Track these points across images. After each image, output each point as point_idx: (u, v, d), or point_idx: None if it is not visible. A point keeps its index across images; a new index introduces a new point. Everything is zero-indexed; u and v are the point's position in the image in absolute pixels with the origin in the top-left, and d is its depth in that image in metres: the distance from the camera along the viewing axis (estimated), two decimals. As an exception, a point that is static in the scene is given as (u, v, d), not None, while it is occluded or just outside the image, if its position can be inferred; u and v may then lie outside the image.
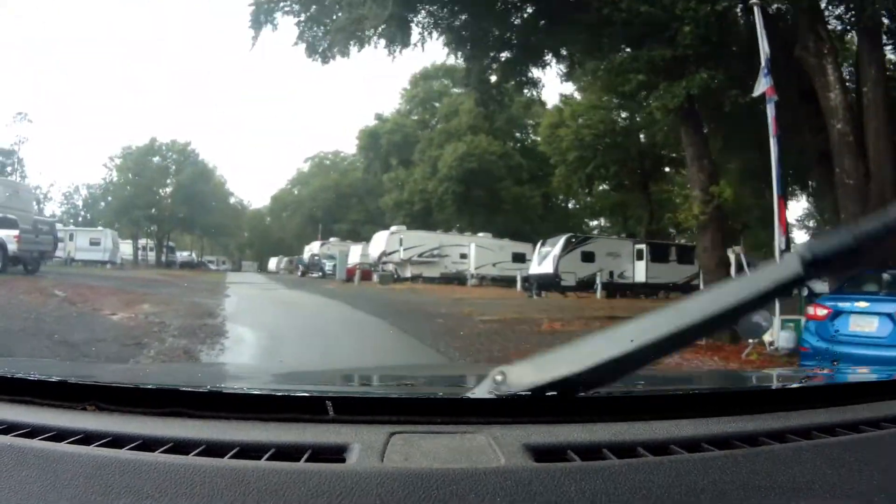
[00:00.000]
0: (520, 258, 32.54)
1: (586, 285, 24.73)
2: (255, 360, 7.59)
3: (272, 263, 64.66)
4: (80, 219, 51.38)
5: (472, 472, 0.74)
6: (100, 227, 41.88)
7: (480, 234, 35.38)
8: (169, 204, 52.75)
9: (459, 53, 15.52)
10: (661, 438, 0.86)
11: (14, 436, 0.83)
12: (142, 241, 53.77)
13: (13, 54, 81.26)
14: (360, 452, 0.79)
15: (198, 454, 0.78)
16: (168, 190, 54.00)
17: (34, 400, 0.96)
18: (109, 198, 52.26)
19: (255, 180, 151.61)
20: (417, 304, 17.08)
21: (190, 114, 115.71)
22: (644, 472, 0.77)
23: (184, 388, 0.98)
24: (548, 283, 24.47)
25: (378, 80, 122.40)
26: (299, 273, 40.30)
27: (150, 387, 1.01)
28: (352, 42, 14.48)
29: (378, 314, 13.52)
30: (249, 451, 0.79)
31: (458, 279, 32.26)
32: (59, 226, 43.48)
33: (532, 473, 0.75)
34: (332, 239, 44.42)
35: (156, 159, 54.50)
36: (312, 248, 44.69)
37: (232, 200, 63.51)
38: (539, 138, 39.90)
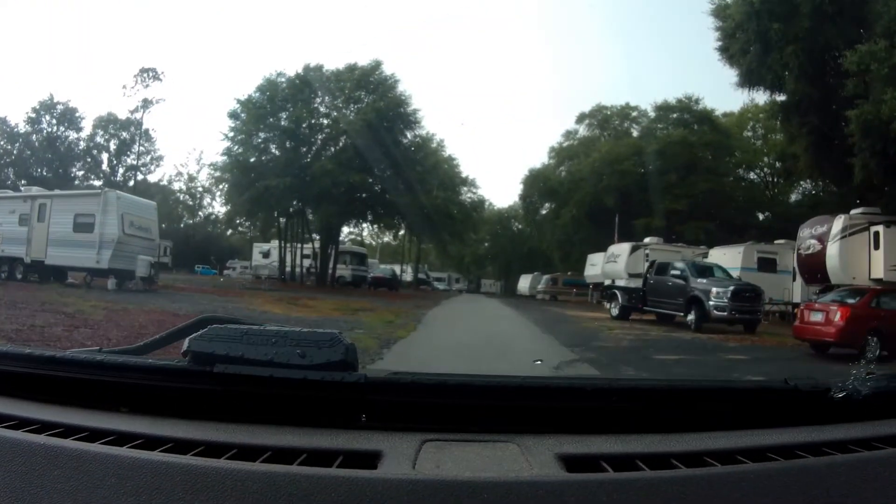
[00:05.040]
0: None
1: None
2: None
3: (523, 283, 48.09)
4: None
5: (503, 482, 0.74)
6: (100, 189, 20.81)
7: None
8: (336, 170, 27.78)
9: None
10: (694, 450, 0.85)
11: (47, 435, 0.83)
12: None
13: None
14: (391, 459, 0.79)
15: (229, 458, 0.78)
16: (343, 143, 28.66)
17: (68, 400, 0.96)
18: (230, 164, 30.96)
19: (497, 172, 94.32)
20: None
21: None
22: (678, 484, 0.76)
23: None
24: None
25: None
26: (614, 309, 18.74)
27: (182, 389, 0.96)
28: None
29: None
30: (281, 456, 0.79)
31: None
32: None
33: (564, 484, 0.74)
34: (648, 239, 26.52)
35: (318, 97, 30.03)
36: (618, 255, 26.18)
37: (465, 193, 36.77)
38: None
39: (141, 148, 49.08)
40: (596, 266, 30.79)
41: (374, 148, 27.06)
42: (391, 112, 29.54)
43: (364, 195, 29.97)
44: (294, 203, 29.87)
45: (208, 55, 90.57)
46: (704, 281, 15.27)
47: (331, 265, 32.48)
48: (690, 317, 14.81)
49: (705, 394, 1.09)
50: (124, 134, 49.04)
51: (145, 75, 42.48)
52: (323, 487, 0.71)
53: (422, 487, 0.72)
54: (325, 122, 30.75)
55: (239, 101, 31.45)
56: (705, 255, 23.32)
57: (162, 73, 43.24)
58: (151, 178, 50.97)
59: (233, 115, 31.68)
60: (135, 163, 48.61)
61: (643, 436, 0.90)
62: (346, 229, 41.30)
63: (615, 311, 18.22)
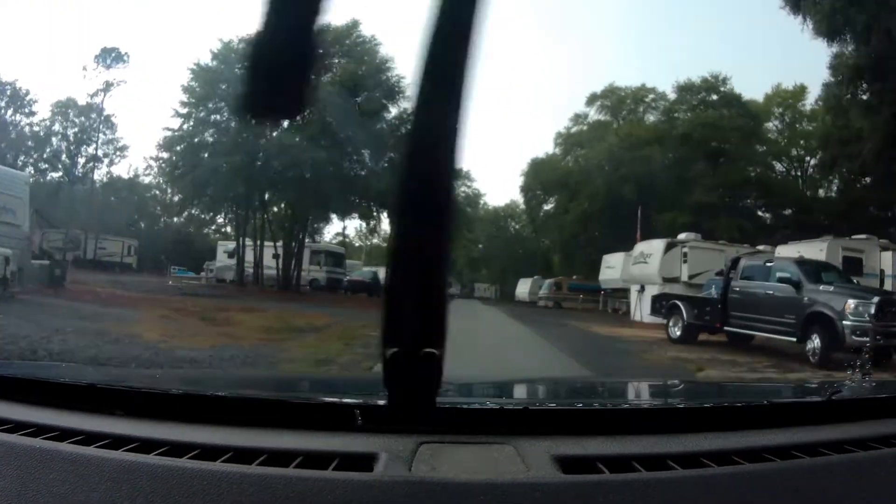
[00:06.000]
0: None
1: None
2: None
3: (522, 288, 42.00)
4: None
5: (499, 484, 0.73)
6: None
7: None
8: (297, 146, 23.18)
9: None
10: (691, 451, 0.85)
11: (43, 439, 0.84)
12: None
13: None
14: (387, 462, 0.78)
15: (225, 461, 0.78)
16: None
17: (63, 404, 0.96)
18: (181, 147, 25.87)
19: (492, 170, 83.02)
20: None
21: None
22: (674, 485, 0.76)
23: (211, 395, 0.97)
24: None
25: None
26: (675, 329, 12.91)
27: (177, 393, 0.99)
28: None
29: None
30: (277, 459, 0.79)
31: None
32: None
33: (560, 485, 0.75)
34: (684, 235, 21.49)
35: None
36: (649, 255, 21.50)
37: (459, 187, 29.53)
38: None
39: (103, 136, 43.69)
40: (614, 269, 25.87)
41: (347, 122, 21.99)
42: (370, 80, 24.48)
43: (335, 180, 24.33)
44: (245, 188, 24.41)
45: (187, 38, 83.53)
46: (829, 289, 9.99)
47: (301, 265, 27.28)
48: (812, 344, 9.60)
49: (701, 392, 1.09)
50: (83, 119, 43.59)
51: (107, 56, 37.50)
52: (319, 490, 0.71)
53: (418, 489, 0.72)
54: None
55: (191, 70, 26.40)
56: (762, 253, 18.56)
57: (126, 54, 38.48)
58: (117, 171, 46.41)
59: (188, 90, 26.71)
60: (96, 152, 43.28)
61: (639, 437, 0.89)
62: (331, 230, 36.26)
63: (677, 332, 12.77)
